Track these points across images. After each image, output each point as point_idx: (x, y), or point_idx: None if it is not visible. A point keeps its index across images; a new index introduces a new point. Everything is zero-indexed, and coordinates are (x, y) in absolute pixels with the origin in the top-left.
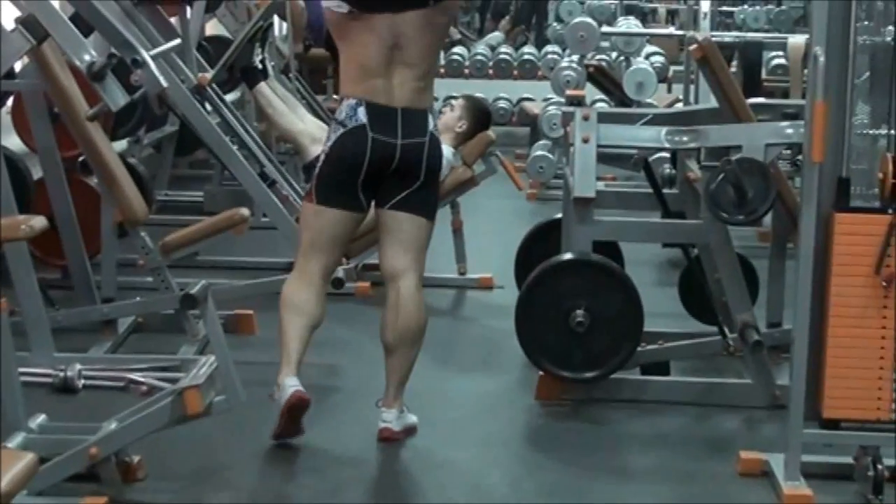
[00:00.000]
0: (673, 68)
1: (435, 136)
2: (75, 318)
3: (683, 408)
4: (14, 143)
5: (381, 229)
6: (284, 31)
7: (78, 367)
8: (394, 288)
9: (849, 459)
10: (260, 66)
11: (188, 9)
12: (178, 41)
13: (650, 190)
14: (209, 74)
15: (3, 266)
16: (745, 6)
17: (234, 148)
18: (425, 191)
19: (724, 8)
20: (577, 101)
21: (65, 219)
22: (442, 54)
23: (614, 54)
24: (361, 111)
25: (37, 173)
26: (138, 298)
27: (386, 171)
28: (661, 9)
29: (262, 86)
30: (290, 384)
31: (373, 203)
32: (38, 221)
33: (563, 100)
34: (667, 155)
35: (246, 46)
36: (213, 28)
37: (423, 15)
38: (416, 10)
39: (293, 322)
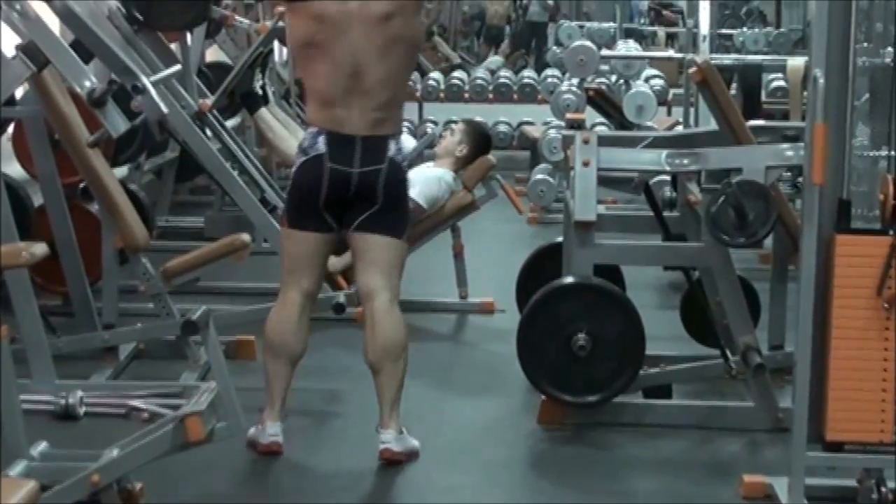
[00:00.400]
0: (673, 91)
1: (395, 161)
2: (76, 344)
3: (686, 431)
4: (15, 170)
5: (352, 252)
6: (285, 57)
7: (79, 393)
8: (368, 307)
9: (852, 482)
10: (260, 92)
11: (188, 35)
12: (178, 67)
13: (651, 213)
14: (210, 101)
15: (3, 293)
16: (745, 29)
17: (235, 173)
18: (389, 212)
19: (724, 31)
20: (578, 125)
21: (66, 245)
22: (441, 78)
23: (614, 77)
24: (321, 140)
25: (38, 200)
26: (139, 325)
27: (346, 197)
28: (661, 32)
29: (263, 111)
30: (271, 432)
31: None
32: (39, 248)
33: (563, 123)
34: (667, 178)
35: (247, 72)
36: (213, 54)
37: (381, 43)
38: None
39: (273, 362)
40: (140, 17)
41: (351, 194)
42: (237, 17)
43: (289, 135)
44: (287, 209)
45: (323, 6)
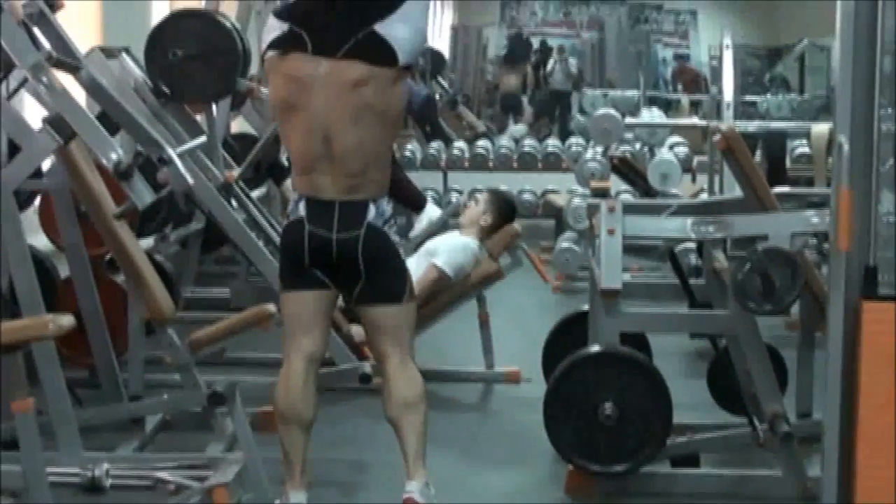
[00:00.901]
0: (697, 158)
1: (374, 226)
2: (103, 416)
3: (714, 500)
4: (41, 241)
5: (361, 322)
6: None
7: (106, 466)
8: (383, 370)
9: None
10: (286, 163)
11: (214, 107)
12: (203, 139)
13: (677, 281)
14: (236, 172)
15: (30, 364)
16: (768, 95)
17: (260, 243)
18: (379, 279)
19: (748, 98)
20: (602, 193)
21: (92, 317)
22: (466, 147)
23: (638, 145)
24: (301, 205)
25: (64, 271)
26: (165, 396)
27: (329, 261)
28: (684, 99)
29: (289, 183)
30: (294, 502)
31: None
32: (66, 320)
33: (587, 191)
34: (693, 245)
35: (272, 144)
36: (238, 125)
37: (351, 110)
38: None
39: (286, 430)
40: (166, 90)
41: (334, 259)
42: (262, 89)
43: None
44: (280, 275)
45: (295, 67)
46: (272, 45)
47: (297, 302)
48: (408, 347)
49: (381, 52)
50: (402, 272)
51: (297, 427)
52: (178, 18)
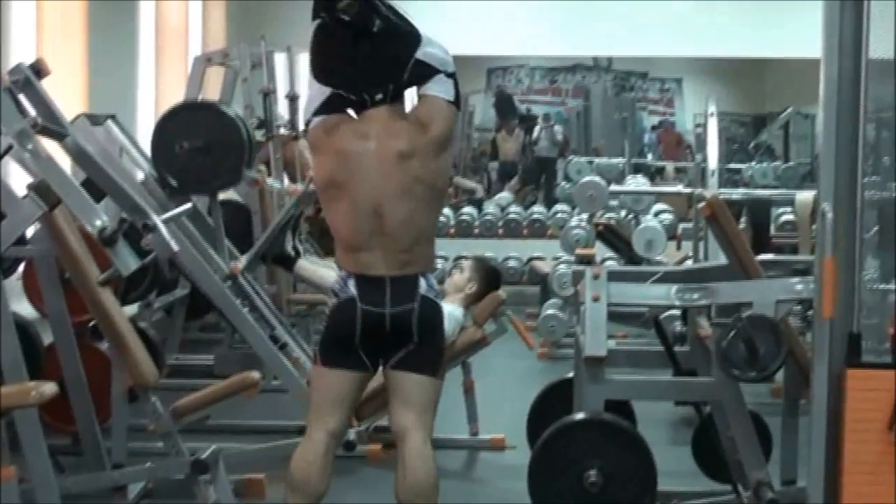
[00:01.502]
0: (682, 225)
1: (428, 298)
2: (85, 484)
3: None
4: (25, 308)
5: (388, 389)
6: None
7: None
8: (401, 447)
9: None
10: (292, 253)
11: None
12: (189, 205)
13: (661, 348)
14: (241, 263)
15: (12, 432)
16: (753, 163)
17: (245, 311)
18: (425, 349)
19: (732, 165)
20: (587, 260)
21: (75, 384)
22: (451, 214)
23: (623, 212)
24: (351, 283)
25: (47, 338)
26: (149, 464)
27: (381, 335)
28: (669, 166)
29: (300, 264)
30: None
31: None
32: (49, 388)
33: (573, 258)
34: (677, 312)
35: (279, 235)
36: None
37: (400, 184)
38: (382, 104)
39: (294, 499)
40: (174, 183)
41: (386, 333)
42: (268, 180)
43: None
44: (321, 348)
45: (343, 143)
46: (318, 112)
47: (333, 379)
48: (430, 429)
49: (424, 74)
50: (443, 350)
51: (307, 498)
52: (183, 110)
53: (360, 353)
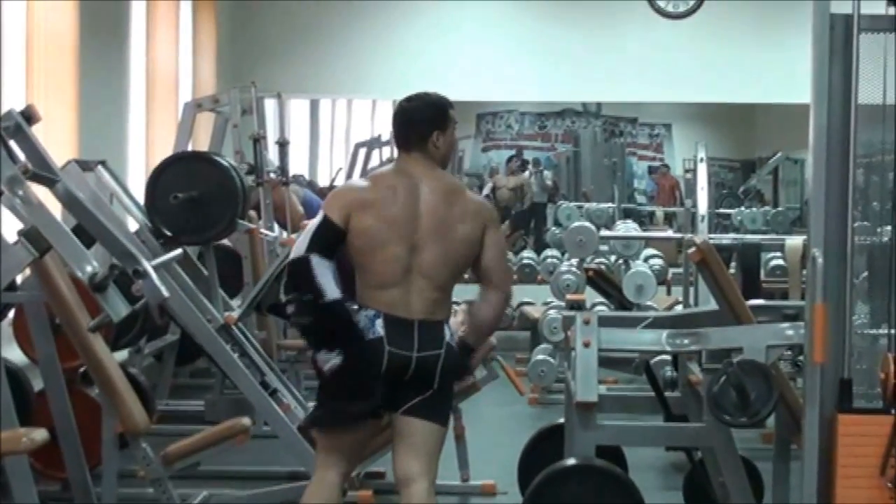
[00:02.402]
0: (672, 271)
1: (451, 346)
2: None
3: None
4: (15, 354)
5: (394, 434)
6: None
7: None
8: (406, 494)
9: None
10: None
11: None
12: (179, 251)
13: (652, 393)
14: (235, 314)
15: (2, 479)
16: (743, 208)
17: (235, 356)
18: (439, 397)
19: (722, 210)
20: (578, 306)
21: (65, 430)
22: None
23: (613, 257)
24: (379, 323)
25: (38, 384)
26: None
27: (402, 379)
28: (659, 212)
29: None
30: None
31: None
32: (39, 434)
33: (563, 304)
34: (668, 357)
35: (273, 284)
36: None
37: (443, 221)
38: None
39: None
40: (167, 232)
41: (408, 377)
42: (262, 231)
43: None
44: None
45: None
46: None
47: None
48: (435, 476)
49: None
50: (452, 399)
51: None
52: (177, 161)
53: (377, 398)
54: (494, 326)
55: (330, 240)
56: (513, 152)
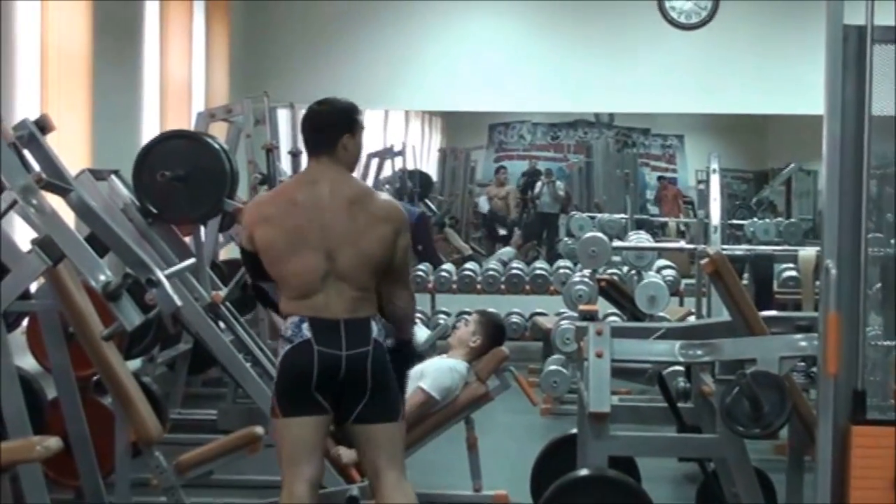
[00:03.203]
0: (685, 282)
1: (379, 342)
2: None
3: None
4: (29, 362)
5: (354, 441)
6: None
7: None
8: (378, 486)
9: None
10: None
11: (202, 228)
12: (192, 260)
13: (665, 404)
14: (223, 293)
15: (16, 487)
16: (755, 219)
17: (248, 365)
18: (381, 397)
19: (735, 221)
20: (590, 316)
21: (79, 439)
22: (454, 269)
23: (626, 268)
24: (305, 326)
25: (51, 393)
26: None
27: (336, 380)
28: (672, 223)
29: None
30: None
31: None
32: (53, 442)
33: (575, 314)
34: (681, 368)
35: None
36: (227, 253)
37: (353, 225)
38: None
39: None
40: (154, 211)
41: (341, 378)
42: None
43: None
44: (278, 399)
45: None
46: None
47: (299, 428)
48: (403, 466)
49: None
50: (397, 389)
51: None
52: (166, 139)
53: (318, 397)
54: (412, 321)
55: (255, 262)
56: (525, 163)
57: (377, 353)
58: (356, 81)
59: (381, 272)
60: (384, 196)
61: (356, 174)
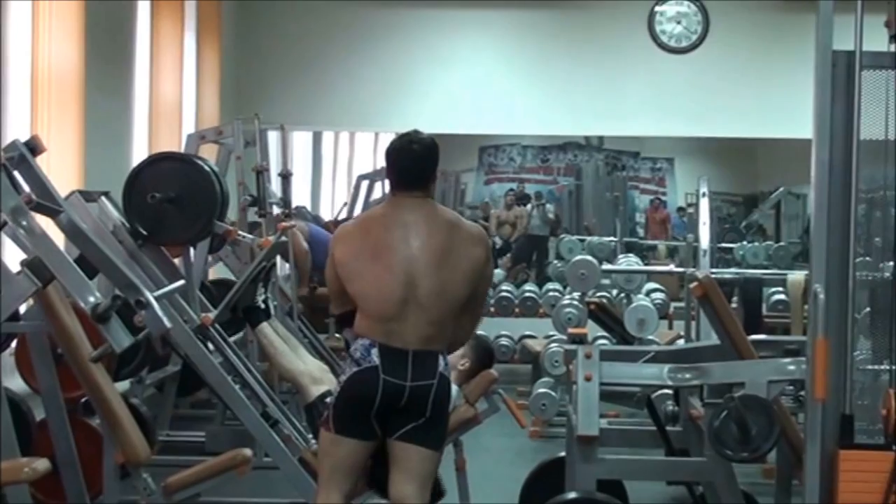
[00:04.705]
0: (674, 305)
1: (445, 376)
2: None
3: None
4: (17, 384)
5: (390, 458)
6: (287, 272)
7: None
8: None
9: None
10: (263, 307)
11: (191, 250)
12: (182, 282)
13: (654, 427)
14: (212, 314)
15: None
16: (745, 242)
17: (237, 388)
18: (433, 424)
19: (724, 244)
20: (579, 339)
21: (67, 460)
22: None
23: (615, 291)
24: (375, 352)
25: (39, 414)
26: None
27: (396, 407)
28: (661, 246)
29: (265, 326)
30: None
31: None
32: (41, 464)
33: (564, 337)
34: (670, 392)
35: (249, 287)
36: (217, 272)
37: (438, 252)
38: (419, 194)
39: None
40: (144, 233)
41: (401, 405)
42: (240, 232)
43: (289, 349)
44: (334, 415)
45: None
46: None
47: (348, 448)
48: (428, 499)
49: None
50: (446, 425)
51: None
52: (156, 161)
53: (374, 423)
54: (461, 346)
55: (338, 283)
56: (514, 185)
57: (441, 385)
58: (347, 104)
59: (461, 305)
60: (471, 222)
61: (347, 195)
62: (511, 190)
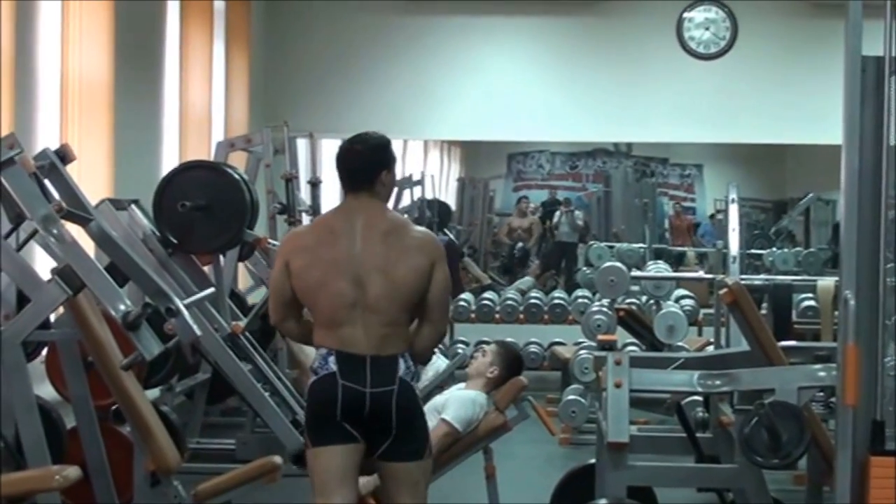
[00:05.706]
0: (703, 311)
1: (405, 381)
2: None
3: None
4: (48, 391)
5: (379, 475)
6: None
7: None
8: None
9: None
10: None
11: (221, 258)
12: (212, 290)
13: (684, 434)
14: (242, 322)
15: None
16: (774, 249)
17: (266, 395)
18: (404, 439)
19: (753, 251)
20: (609, 346)
21: (97, 468)
22: (472, 299)
23: (644, 298)
24: (332, 360)
25: (70, 422)
26: None
27: (361, 415)
28: (691, 252)
29: None
30: None
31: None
32: (72, 472)
33: (594, 344)
34: (699, 398)
35: None
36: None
37: (385, 255)
38: (367, 193)
39: None
40: (174, 241)
41: (365, 414)
42: (269, 241)
43: None
44: (307, 430)
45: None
46: None
47: (328, 457)
48: (426, 498)
49: None
50: (426, 428)
51: None
52: (186, 169)
53: (345, 426)
54: (426, 358)
55: (287, 292)
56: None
57: (402, 391)
58: (375, 111)
59: (413, 306)
60: (420, 228)
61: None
62: (523, 198)
